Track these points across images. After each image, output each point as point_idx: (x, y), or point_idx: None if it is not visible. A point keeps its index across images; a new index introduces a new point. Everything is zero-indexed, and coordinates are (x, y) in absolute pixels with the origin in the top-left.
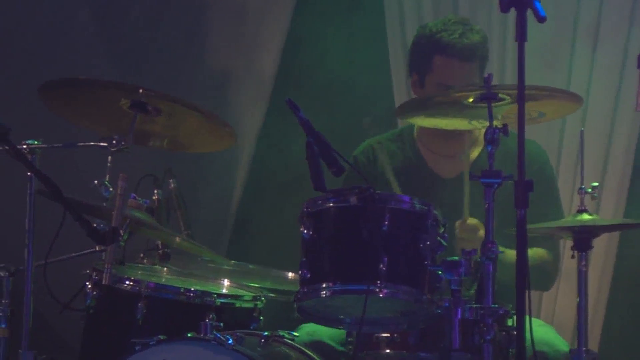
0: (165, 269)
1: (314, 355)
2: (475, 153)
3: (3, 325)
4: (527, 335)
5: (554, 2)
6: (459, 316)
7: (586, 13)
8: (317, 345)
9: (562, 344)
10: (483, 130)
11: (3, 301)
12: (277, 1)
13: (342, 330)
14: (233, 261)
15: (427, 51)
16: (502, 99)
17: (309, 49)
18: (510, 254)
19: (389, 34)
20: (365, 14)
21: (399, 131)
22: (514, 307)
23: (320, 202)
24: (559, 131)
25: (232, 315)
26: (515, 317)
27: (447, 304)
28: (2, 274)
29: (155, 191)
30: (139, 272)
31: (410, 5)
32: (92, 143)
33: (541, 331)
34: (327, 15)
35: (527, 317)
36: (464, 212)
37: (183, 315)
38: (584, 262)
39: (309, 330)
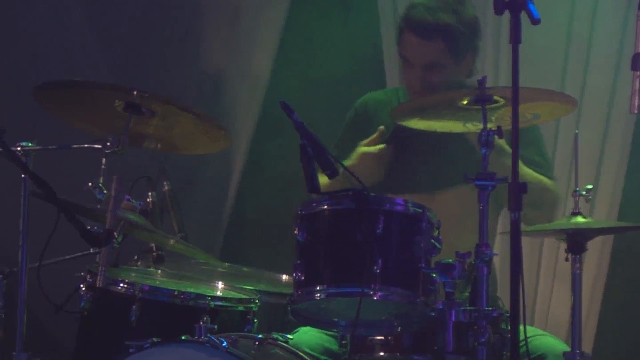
0: (159, 271)
1: (307, 358)
2: None
3: None
4: (533, 342)
5: (548, 4)
6: (453, 319)
7: (580, 15)
8: None
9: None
10: None
11: None
12: (271, 2)
13: (322, 341)
14: (227, 263)
15: (400, 28)
16: (496, 101)
17: (303, 50)
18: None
19: (383, 34)
20: (359, 14)
21: (396, 89)
22: None
23: (314, 204)
24: (553, 133)
25: (226, 318)
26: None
27: (441, 307)
28: None
29: (150, 193)
30: (133, 275)
31: (404, 6)
32: (86, 145)
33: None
34: (321, 16)
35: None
36: None
37: (177, 317)
38: (578, 265)
39: (308, 341)
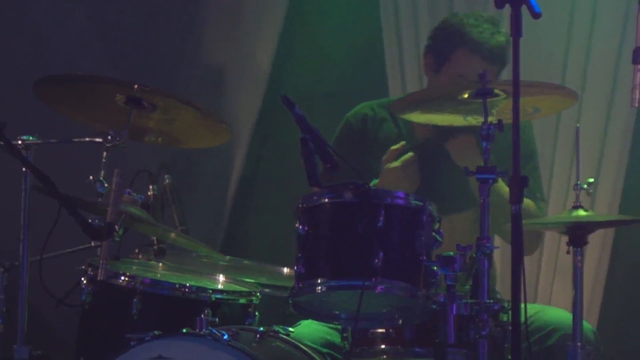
0: (160, 264)
1: (309, 350)
2: None
3: None
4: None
5: None
6: (454, 312)
7: (581, 9)
8: None
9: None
10: None
11: None
12: None
13: (323, 334)
14: (228, 257)
15: (452, 41)
16: (497, 95)
17: (304, 44)
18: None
19: (385, 29)
20: (360, 8)
21: (388, 100)
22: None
23: (315, 197)
24: (554, 127)
25: (227, 311)
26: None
27: (442, 300)
28: None
29: (151, 187)
30: (134, 268)
31: (405, 0)
32: (87, 139)
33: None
34: (322, 11)
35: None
36: None
37: (178, 310)
38: (579, 258)
39: (309, 334)
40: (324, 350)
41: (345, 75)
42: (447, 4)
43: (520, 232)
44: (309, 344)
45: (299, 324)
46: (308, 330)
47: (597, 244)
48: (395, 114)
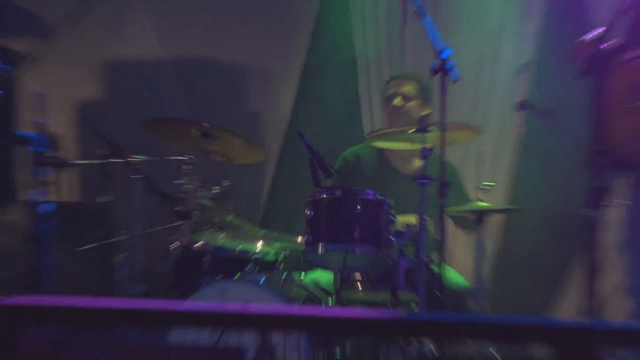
0: (221, 235)
1: (312, 290)
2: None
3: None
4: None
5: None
6: (403, 265)
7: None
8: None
9: (464, 281)
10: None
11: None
12: (288, 68)
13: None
14: (263, 230)
15: None
16: (430, 131)
17: (313, 99)
18: None
19: (360, 84)
20: (346, 77)
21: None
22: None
23: (317, 194)
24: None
25: (263, 264)
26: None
27: (396, 258)
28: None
29: (215, 187)
30: (205, 238)
31: (374, 63)
32: (176, 157)
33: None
34: (330, 75)
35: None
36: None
37: (233, 264)
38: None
39: (313, 278)
40: (332, 289)
41: (339, 120)
42: (399, 61)
43: (444, 218)
44: (323, 285)
45: (316, 270)
46: (321, 276)
47: (495, 225)
48: (369, 142)
